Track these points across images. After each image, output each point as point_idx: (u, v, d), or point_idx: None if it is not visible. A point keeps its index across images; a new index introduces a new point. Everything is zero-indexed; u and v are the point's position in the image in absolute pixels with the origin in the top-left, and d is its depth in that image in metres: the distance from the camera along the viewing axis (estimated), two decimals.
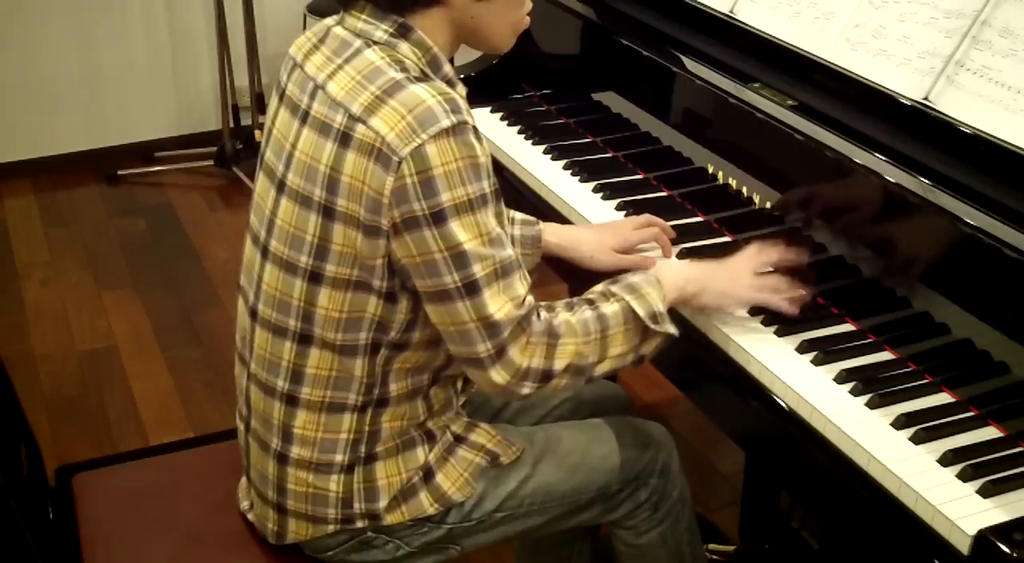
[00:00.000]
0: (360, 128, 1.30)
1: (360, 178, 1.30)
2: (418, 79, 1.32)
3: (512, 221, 1.67)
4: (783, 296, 1.54)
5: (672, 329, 1.47)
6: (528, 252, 1.68)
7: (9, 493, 1.36)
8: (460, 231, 1.30)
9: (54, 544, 1.60)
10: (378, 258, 1.34)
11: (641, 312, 1.44)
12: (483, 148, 1.32)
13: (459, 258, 1.31)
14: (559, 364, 1.39)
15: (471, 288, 1.32)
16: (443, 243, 1.30)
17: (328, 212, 1.34)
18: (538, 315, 1.39)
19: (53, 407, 2.79)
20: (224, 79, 3.96)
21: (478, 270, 1.32)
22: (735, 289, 1.54)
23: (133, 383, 2.90)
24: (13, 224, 3.73)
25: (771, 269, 1.58)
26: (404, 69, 1.33)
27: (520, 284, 1.36)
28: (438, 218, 1.29)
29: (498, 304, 1.33)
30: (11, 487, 1.40)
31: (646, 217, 1.75)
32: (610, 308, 1.43)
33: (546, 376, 1.39)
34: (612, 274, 1.57)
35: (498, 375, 1.36)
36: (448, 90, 1.32)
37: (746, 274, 1.55)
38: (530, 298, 1.38)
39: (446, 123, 1.28)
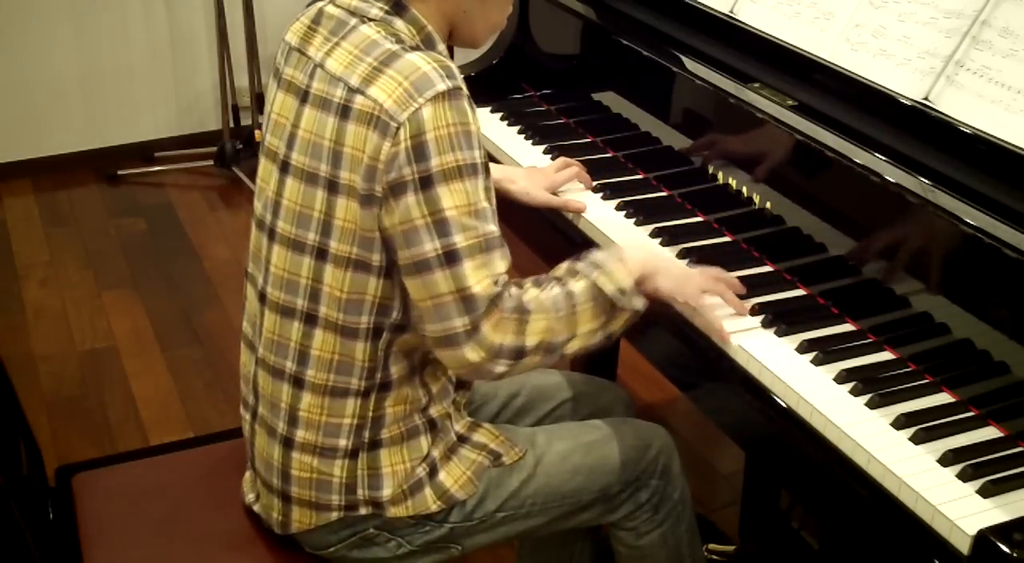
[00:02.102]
0: (359, 98, 1.31)
1: (360, 147, 1.31)
2: (414, 49, 1.34)
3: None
4: (724, 311, 1.54)
5: (639, 304, 1.47)
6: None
7: (9, 493, 1.36)
8: (445, 197, 1.30)
9: (54, 544, 1.60)
10: (376, 230, 1.35)
11: (608, 288, 1.44)
12: (475, 117, 1.33)
13: (441, 225, 1.31)
14: (531, 341, 1.39)
15: (451, 257, 1.32)
16: (427, 208, 1.30)
17: (332, 186, 1.36)
18: (509, 292, 1.39)
19: (53, 407, 2.79)
20: (224, 79, 3.96)
21: (459, 240, 1.32)
22: (688, 282, 1.54)
23: (133, 383, 2.90)
24: (13, 224, 3.73)
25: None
26: (400, 41, 1.35)
27: (501, 262, 1.36)
28: (425, 183, 1.30)
29: (477, 278, 1.33)
30: (11, 487, 1.40)
31: (562, 159, 1.92)
32: (577, 285, 1.44)
33: (519, 353, 1.39)
34: (544, 211, 1.82)
35: (473, 353, 1.35)
36: (443, 58, 1.34)
37: (698, 276, 1.56)
38: (505, 277, 1.38)
39: (442, 87, 1.29)
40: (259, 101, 4.07)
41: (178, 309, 3.25)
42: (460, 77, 1.33)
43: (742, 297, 1.57)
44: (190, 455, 1.77)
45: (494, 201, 1.39)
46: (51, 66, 3.94)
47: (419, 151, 1.29)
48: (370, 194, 1.32)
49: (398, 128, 1.29)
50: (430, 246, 1.32)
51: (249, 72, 4.03)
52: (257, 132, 4.01)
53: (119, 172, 4.02)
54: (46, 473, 1.73)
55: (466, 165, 1.31)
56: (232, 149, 3.99)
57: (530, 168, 1.92)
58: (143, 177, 4.05)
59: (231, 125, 4.03)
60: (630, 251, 1.52)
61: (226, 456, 1.70)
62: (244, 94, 4.12)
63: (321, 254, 1.39)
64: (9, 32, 3.84)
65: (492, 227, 1.36)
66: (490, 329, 1.35)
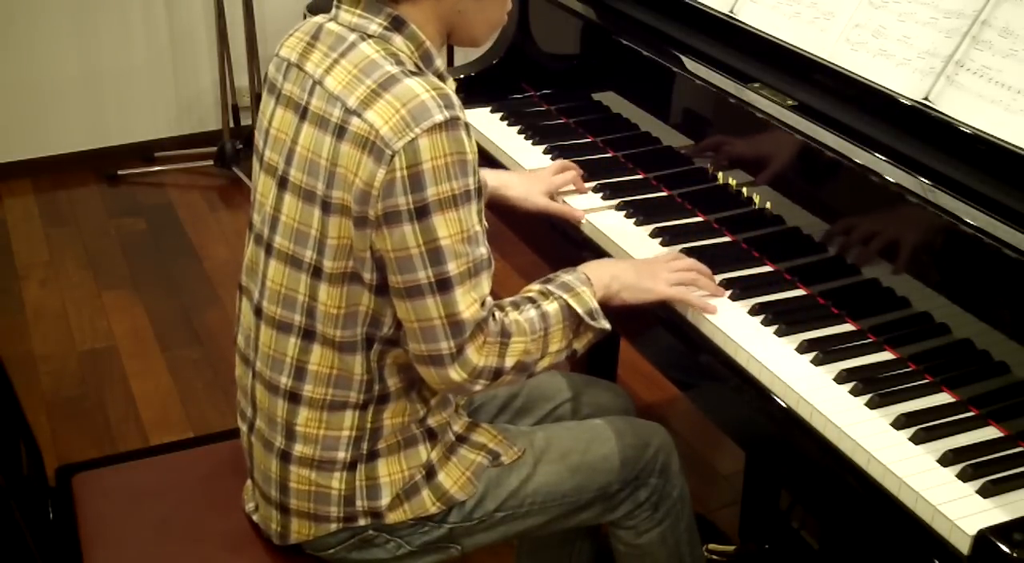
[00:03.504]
0: (355, 121, 1.31)
1: (353, 169, 1.31)
2: (412, 73, 1.34)
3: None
4: (700, 293, 1.59)
5: (607, 324, 1.51)
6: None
7: (9, 493, 1.36)
8: (441, 226, 1.31)
9: (54, 544, 1.60)
10: (367, 250, 1.35)
11: (580, 309, 1.48)
12: (472, 145, 1.33)
13: (435, 254, 1.32)
14: (509, 362, 1.42)
15: (444, 285, 1.33)
16: (422, 237, 1.31)
17: (326, 205, 1.36)
18: (493, 316, 1.41)
19: (53, 407, 2.79)
20: (224, 79, 3.96)
21: (452, 268, 1.33)
22: (655, 284, 1.57)
23: (133, 383, 2.90)
24: (13, 224, 3.73)
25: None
26: (399, 62, 1.35)
27: (486, 283, 1.39)
28: (421, 212, 1.30)
29: (467, 303, 1.35)
30: (11, 487, 1.40)
31: (561, 162, 1.91)
32: (551, 306, 1.47)
33: (497, 374, 1.42)
34: (541, 217, 1.82)
35: (456, 373, 1.38)
36: (442, 85, 1.34)
37: (664, 271, 1.59)
38: (489, 299, 1.40)
39: (439, 118, 1.29)
40: (259, 101, 4.06)
41: (178, 309, 3.25)
42: (458, 105, 1.32)
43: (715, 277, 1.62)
44: (190, 455, 1.77)
45: (485, 221, 1.40)
46: (51, 66, 3.93)
47: (415, 181, 1.29)
48: (363, 217, 1.32)
49: (393, 156, 1.28)
50: (423, 274, 1.33)
51: (249, 72, 4.03)
52: (257, 132, 4.01)
53: (119, 172, 4.02)
54: (46, 473, 1.73)
55: (461, 194, 1.32)
56: (232, 149, 3.99)
57: (528, 171, 1.91)
58: (143, 177, 4.05)
59: (231, 125, 4.03)
60: (592, 273, 1.55)
61: (226, 457, 1.70)
62: (244, 94, 4.12)
63: (317, 273, 1.39)
64: (9, 32, 3.84)
65: (482, 250, 1.37)
66: (474, 352, 1.38)
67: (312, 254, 1.39)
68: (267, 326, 1.47)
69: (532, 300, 1.49)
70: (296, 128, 1.40)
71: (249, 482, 1.60)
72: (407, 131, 1.28)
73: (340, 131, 1.33)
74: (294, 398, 1.45)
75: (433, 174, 1.29)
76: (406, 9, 1.37)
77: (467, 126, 1.33)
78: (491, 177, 1.78)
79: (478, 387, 1.42)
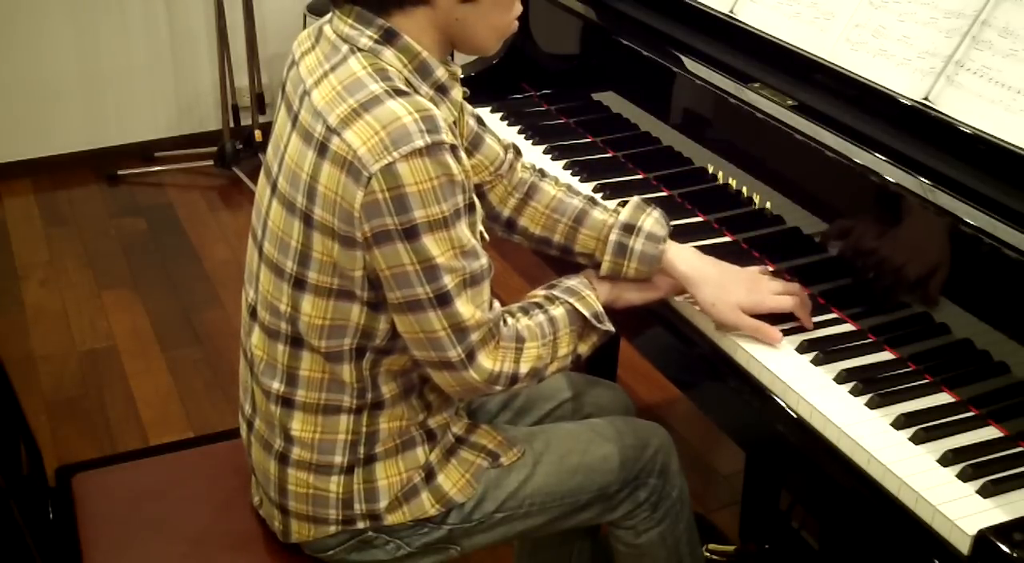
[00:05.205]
0: (335, 140, 1.29)
1: (334, 189, 1.30)
2: (398, 92, 1.30)
3: (639, 232, 1.56)
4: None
5: (611, 327, 1.52)
6: (643, 269, 1.57)
7: (9, 493, 1.36)
8: (432, 247, 1.30)
9: (54, 544, 1.60)
10: (357, 270, 1.34)
11: (587, 313, 1.49)
12: (459, 166, 1.30)
13: (431, 271, 1.31)
14: (524, 368, 1.43)
15: (443, 299, 1.33)
16: (416, 257, 1.30)
17: (307, 220, 1.35)
18: (505, 321, 1.42)
19: (53, 407, 2.79)
20: (224, 79, 3.96)
21: (448, 281, 1.32)
22: (656, 282, 1.59)
23: (133, 383, 2.90)
24: (13, 224, 3.73)
25: None
26: (387, 77, 1.32)
27: (487, 290, 1.39)
28: (411, 233, 1.29)
29: (469, 311, 1.35)
30: (11, 487, 1.40)
31: (794, 286, 1.58)
32: (557, 311, 1.48)
33: (513, 380, 1.43)
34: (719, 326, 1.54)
35: (471, 378, 1.38)
36: (427, 107, 1.30)
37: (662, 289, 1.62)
38: (497, 304, 1.40)
39: (419, 143, 1.26)
40: (259, 101, 4.07)
41: (178, 309, 3.25)
42: (442, 127, 1.28)
43: None
44: (190, 455, 1.77)
45: (478, 234, 1.39)
46: (51, 66, 3.94)
47: (399, 202, 1.27)
48: (350, 237, 1.31)
49: (370, 178, 1.26)
50: (421, 290, 1.32)
51: (249, 72, 4.03)
52: (257, 132, 4.01)
53: (119, 172, 4.02)
54: (46, 473, 1.73)
55: (451, 214, 1.30)
56: (232, 149, 3.99)
57: (737, 273, 1.58)
58: (143, 177, 4.05)
59: (231, 125, 4.03)
60: (595, 278, 1.56)
61: (226, 456, 1.70)
62: (244, 94, 4.12)
63: (299, 283, 1.39)
64: (9, 32, 3.84)
65: (479, 262, 1.36)
66: (486, 357, 1.39)
67: (293, 265, 1.38)
68: (260, 330, 1.47)
69: (539, 305, 1.49)
70: (288, 134, 1.39)
71: (253, 477, 1.60)
72: (385, 154, 1.26)
73: (322, 148, 1.31)
74: (287, 403, 1.45)
75: (420, 198, 1.27)
76: (398, 20, 1.33)
77: (453, 148, 1.29)
78: (682, 262, 1.56)
79: (494, 390, 1.42)
